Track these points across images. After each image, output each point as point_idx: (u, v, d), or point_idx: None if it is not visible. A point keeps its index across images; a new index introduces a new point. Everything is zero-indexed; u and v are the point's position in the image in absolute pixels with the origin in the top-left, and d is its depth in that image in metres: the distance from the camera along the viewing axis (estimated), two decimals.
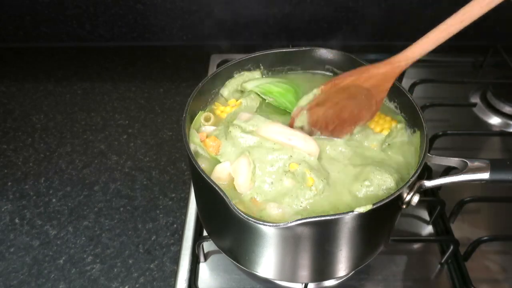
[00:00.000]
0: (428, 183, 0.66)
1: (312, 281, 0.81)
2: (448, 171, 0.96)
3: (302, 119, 0.72)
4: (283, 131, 0.71)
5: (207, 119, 0.80)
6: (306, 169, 0.67)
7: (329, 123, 0.71)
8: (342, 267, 0.73)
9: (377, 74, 0.64)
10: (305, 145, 0.71)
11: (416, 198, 0.65)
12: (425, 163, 0.67)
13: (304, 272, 0.72)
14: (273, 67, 0.89)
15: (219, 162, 0.72)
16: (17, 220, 0.95)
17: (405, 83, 1.22)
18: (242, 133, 0.72)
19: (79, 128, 1.16)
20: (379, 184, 0.68)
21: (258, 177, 0.69)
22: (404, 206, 0.66)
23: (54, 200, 0.99)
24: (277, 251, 0.67)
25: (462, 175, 0.65)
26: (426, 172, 0.99)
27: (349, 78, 0.66)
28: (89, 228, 0.93)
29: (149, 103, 1.24)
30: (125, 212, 0.97)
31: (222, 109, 0.82)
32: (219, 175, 0.70)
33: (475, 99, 1.23)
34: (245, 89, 0.84)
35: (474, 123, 1.19)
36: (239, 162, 0.70)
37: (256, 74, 0.87)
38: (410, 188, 0.65)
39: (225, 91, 0.84)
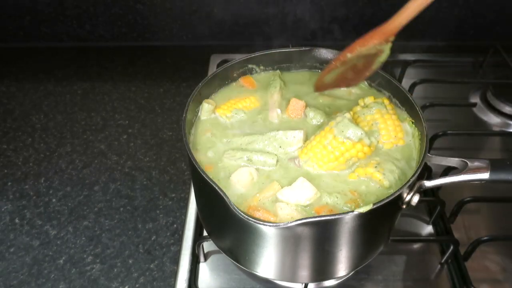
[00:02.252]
0: (428, 183, 0.66)
1: (312, 281, 0.81)
2: (448, 171, 0.96)
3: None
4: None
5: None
6: None
7: (345, 77, 0.79)
8: (342, 267, 0.73)
9: (375, 44, 0.74)
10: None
11: (416, 198, 0.65)
12: (425, 163, 0.67)
13: (304, 272, 0.72)
14: (273, 67, 0.89)
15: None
16: (17, 220, 0.95)
17: (405, 83, 1.22)
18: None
19: (79, 128, 1.16)
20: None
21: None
22: (404, 206, 0.66)
23: (54, 200, 0.99)
24: (277, 251, 0.67)
25: (462, 175, 0.65)
26: (426, 172, 0.99)
27: (352, 54, 0.74)
28: (89, 228, 0.93)
29: (149, 103, 1.24)
30: (125, 212, 0.97)
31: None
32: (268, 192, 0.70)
33: (475, 99, 1.23)
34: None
35: (474, 123, 1.19)
36: (239, 172, 0.71)
37: None
38: (410, 188, 0.65)
39: None
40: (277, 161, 0.73)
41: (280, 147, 0.75)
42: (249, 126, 0.80)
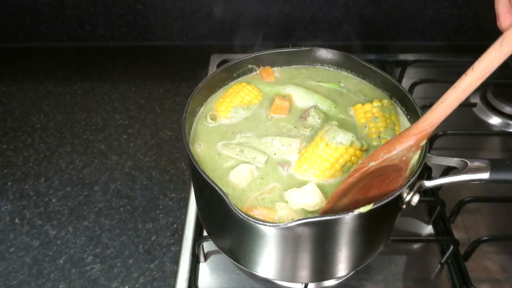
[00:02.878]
0: (428, 183, 0.66)
1: (312, 281, 0.81)
2: (448, 171, 0.96)
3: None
4: None
5: (213, 118, 0.79)
6: None
7: (358, 203, 0.62)
8: (342, 267, 0.73)
9: (404, 149, 0.61)
10: None
11: (416, 198, 0.65)
12: (425, 163, 0.67)
13: (304, 272, 0.72)
14: (273, 67, 0.89)
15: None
16: (17, 220, 0.95)
17: (405, 83, 1.22)
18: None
19: (79, 128, 1.16)
20: None
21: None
22: (404, 206, 0.66)
23: (54, 200, 0.99)
24: (277, 251, 0.67)
25: (462, 175, 0.65)
26: (426, 172, 0.99)
27: (375, 164, 0.62)
28: (89, 228, 0.93)
29: (149, 103, 1.24)
30: (125, 212, 0.97)
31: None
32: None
33: (475, 99, 1.23)
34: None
35: (474, 123, 1.18)
36: (238, 169, 0.71)
37: None
38: (410, 188, 0.65)
39: None
40: (267, 161, 0.73)
41: (275, 154, 0.75)
42: (249, 127, 0.80)
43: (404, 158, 0.61)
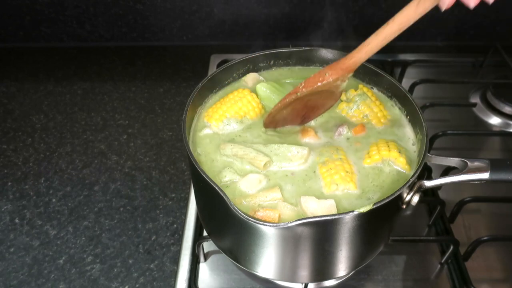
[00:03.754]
0: (428, 183, 0.66)
1: (312, 281, 0.81)
2: (448, 171, 0.96)
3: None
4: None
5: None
6: None
7: (299, 113, 0.78)
8: (342, 267, 0.73)
9: (332, 80, 0.71)
10: None
11: (416, 198, 0.65)
12: (425, 163, 0.67)
13: (304, 272, 0.72)
14: (273, 67, 0.89)
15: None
16: (17, 220, 0.95)
17: (405, 83, 1.22)
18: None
19: (79, 128, 1.16)
20: None
21: None
22: (404, 206, 0.66)
23: (54, 200, 0.99)
24: (277, 251, 0.67)
25: (462, 175, 0.65)
26: (426, 172, 0.99)
27: (307, 90, 0.72)
28: (89, 228, 0.93)
29: (149, 103, 1.24)
30: (125, 212, 0.97)
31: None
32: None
33: (475, 99, 1.23)
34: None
35: (474, 123, 1.19)
36: (247, 178, 0.71)
37: None
38: (410, 188, 0.65)
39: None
40: (267, 165, 0.72)
41: (279, 160, 0.73)
42: (243, 139, 0.78)
43: (334, 85, 0.72)
